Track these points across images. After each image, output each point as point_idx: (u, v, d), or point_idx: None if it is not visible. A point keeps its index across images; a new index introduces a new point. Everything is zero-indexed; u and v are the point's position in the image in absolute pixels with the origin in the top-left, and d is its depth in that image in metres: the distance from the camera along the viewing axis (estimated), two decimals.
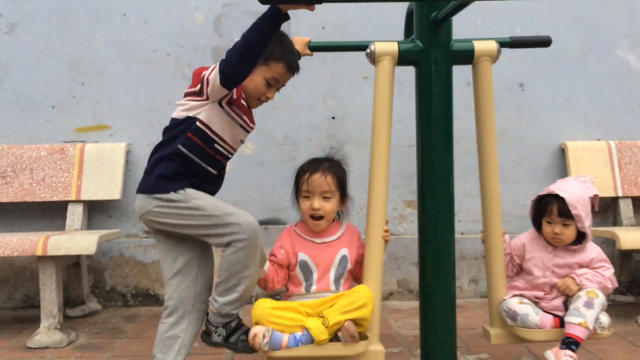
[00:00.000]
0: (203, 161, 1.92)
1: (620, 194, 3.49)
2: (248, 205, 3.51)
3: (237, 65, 1.76)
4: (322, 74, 3.56)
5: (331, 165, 2.09)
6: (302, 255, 2.05)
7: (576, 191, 2.13)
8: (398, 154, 3.57)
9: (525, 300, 2.14)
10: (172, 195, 1.86)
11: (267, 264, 2.01)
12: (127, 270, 3.50)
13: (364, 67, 3.50)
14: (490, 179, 2.11)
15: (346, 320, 1.85)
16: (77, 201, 3.34)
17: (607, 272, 2.16)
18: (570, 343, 2.01)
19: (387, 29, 3.44)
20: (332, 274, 2.04)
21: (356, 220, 2.19)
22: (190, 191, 1.88)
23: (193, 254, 1.96)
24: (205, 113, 1.89)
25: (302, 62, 2.12)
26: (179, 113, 1.94)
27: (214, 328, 1.96)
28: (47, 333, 2.75)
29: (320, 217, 2.04)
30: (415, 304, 3.28)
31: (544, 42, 2.37)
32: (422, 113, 2.03)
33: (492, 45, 2.06)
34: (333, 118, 3.60)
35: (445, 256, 2.03)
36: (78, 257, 3.26)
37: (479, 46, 2.05)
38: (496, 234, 2.13)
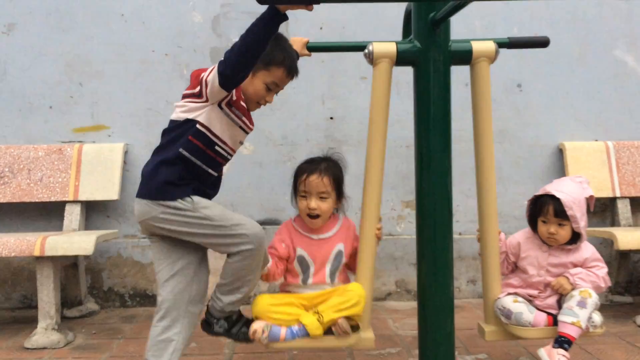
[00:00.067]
0: (204, 163, 1.91)
1: (618, 194, 3.49)
2: (246, 205, 3.51)
3: (235, 67, 1.76)
4: (320, 74, 3.56)
5: (328, 166, 2.14)
6: (300, 250, 2.13)
7: (572, 192, 2.16)
8: (396, 154, 3.58)
9: (520, 299, 2.16)
10: (179, 203, 1.85)
11: (270, 262, 2.06)
12: (125, 270, 3.49)
13: (362, 68, 3.50)
14: (487, 179, 2.11)
15: (340, 317, 1.97)
16: (74, 201, 3.33)
17: (601, 272, 2.19)
18: (563, 342, 2.04)
19: (385, 29, 3.44)
20: (327, 268, 2.13)
21: (355, 220, 2.21)
22: (198, 199, 1.88)
23: (191, 258, 1.96)
24: (205, 115, 1.88)
25: (300, 63, 2.12)
26: (178, 115, 1.92)
27: (215, 320, 2.02)
28: (44, 333, 2.75)
29: (317, 216, 2.11)
30: (414, 304, 3.28)
31: (542, 43, 2.37)
32: (420, 113, 2.03)
33: (490, 46, 2.06)
34: (331, 118, 3.60)
35: (443, 256, 2.03)
36: (76, 257, 3.25)
37: (477, 47, 2.05)
38: (492, 233, 2.14)
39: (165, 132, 1.96)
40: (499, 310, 2.15)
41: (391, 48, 2.01)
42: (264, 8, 1.67)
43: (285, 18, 1.70)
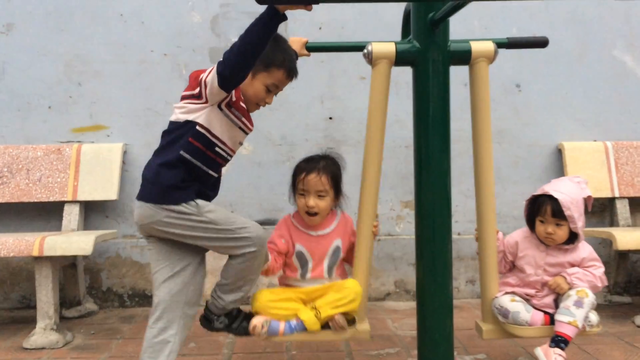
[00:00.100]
0: (204, 165, 1.91)
1: (616, 194, 3.49)
2: (245, 205, 3.51)
3: (235, 67, 1.76)
4: (319, 74, 3.56)
5: (326, 165, 2.17)
6: (298, 246, 2.17)
7: (570, 192, 2.17)
8: (395, 155, 3.58)
9: (517, 298, 2.18)
10: (183, 208, 1.86)
11: (270, 259, 2.10)
12: (124, 270, 3.49)
13: (361, 68, 3.50)
14: (485, 179, 2.12)
15: (337, 314, 2.04)
16: (73, 201, 3.33)
17: (598, 271, 2.21)
18: (559, 341, 2.06)
19: (384, 29, 3.44)
20: (325, 263, 2.18)
21: (353, 218, 2.22)
22: (203, 203, 1.89)
23: (190, 260, 1.96)
24: (205, 116, 1.87)
25: (299, 63, 2.12)
26: (177, 116, 1.91)
27: (215, 317, 2.07)
28: (43, 334, 2.75)
29: (315, 214, 2.14)
30: (413, 304, 3.28)
31: (541, 43, 2.37)
32: (419, 113, 2.04)
33: (489, 46, 2.06)
34: (330, 118, 3.60)
35: (442, 256, 2.03)
36: (74, 257, 3.25)
37: (476, 47, 2.05)
38: (490, 233, 2.15)
39: (164, 134, 1.95)
40: (497, 309, 2.16)
41: (390, 48, 2.01)
42: (263, 8, 1.67)
43: (284, 18, 1.69)
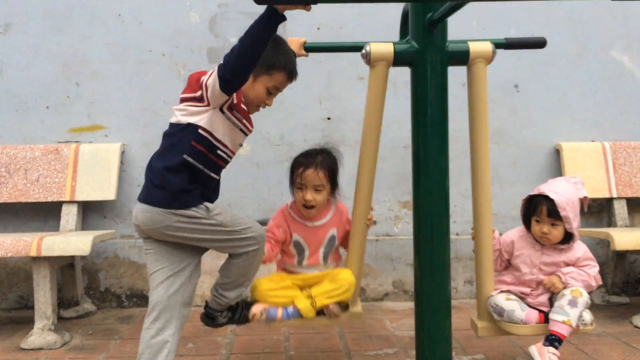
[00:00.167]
0: (206, 168, 1.91)
1: (614, 194, 3.50)
2: (243, 206, 3.51)
3: (236, 70, 1.75)
4: (318, 74, 3.56)
5: (323, 160, 2.23)
6: (295, 236, 2.27)
7: (566, 192, 2.19)
8: (393, 155, 3.58)
9: (512, 297, 2.20)
10: (193, 212, 1.86)
11: (266, 250, 2.16)
12: (122, 271, 3.49)
13: (360, 68, 3.50)
14: (482, 178, 2.13)
15: (331, 303, 2.16)
16: (71, 202, 3.33)
17: (592, 271, 2.24)
18: (553, 340, 2.10)
19: (382, 29, 3.44)
20: (321, 252, 2.28)
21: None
22: (211, 206, 1.91)
23: (190, 261, 1.96)
24: (207, 119, 1.86)
25: (298, 63, 2.12)
26: (178, 118, 1.89)
27: (219, 313, 2.14)
28: (41, 334, 2.74)
29: (312, 207, 2.22)
30: (411, 304, 3.28)
31: (539, 44, 2.37)
32: (417, 114, 2.03)
33: (487, 47, 2.06)
34: (328, 119, 3.61)
35: (440, 257, 2.03)
36: (72, 257, 3.24)
37: (474, 47, 2.05)
38: (486, 232, 2.16)
39: (166, 136, 1.93)
40: (492, 307, 2.19)
41: (388, 48, 2.01)
42: (261, 8, 1.67)
43: (283, 18, 1.69)
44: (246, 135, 2.04)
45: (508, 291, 2.23)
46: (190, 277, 1.96)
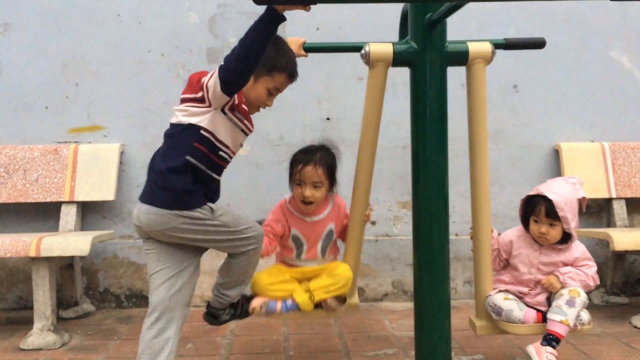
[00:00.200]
0: (209, 169, 1.90)
1: (614, 195, 3.50)
2: (243, 206, 3.51)
3: (237, 72, 1.75)
4: (317, 74, 3.56)
5: (322, 157, 2.26)
6: (294, 231, 2.32)
7: (564, 193, 2.20)
8: (392, 155, 3.58)
9: (510, 296, 2.22)
10: (198, 213, 1.87)
11: (264, 244, 2.21)
12: (121, 271, 3.49)
13: (359, 68, 3.50)
14: (481, 178, 2.13)
15: (329, 297, 2.22)
16: (70, 202, 3.33)
17: (590, 270, 2.25)
18: (551, 340, 2.11)
19: (381, 30, 3.44)
20: (319, 246, 2.34)
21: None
22: (215, 207, 1.92)
23: (191, 261, 1.97)
24: (209, 120, 1.86)
25: (297, 63, 2.11)
26: (179, 119, 1.89)
27: (222, 311, 2.18)
28: (40, 334, 2.74)
29: (311, 203, 2.26)
30: (410, 305, 3.28)
31: (538, 44, 2.38)
32: (416, 114, 2.04)
33: (487, 47, 2.06)
34: (328, 119, 3.60)
35: (439, 257, 2.03)
36: (71, 258, 3.24)
37: (473, 48, 2.05)
38: (485, 232, 2.18)
39: (167, 136, 1.92)
40: (490, 307, 2.20)
41: (388, 49, 2.01)
42: (260, 8, 1.66)
43: (283, 19, 1.69)
44: (247, 135, 2.04)
45: (506, 291, 2.25)
46: (191, 278, 1.96)
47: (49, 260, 2.79)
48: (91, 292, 3.48)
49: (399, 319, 3.18)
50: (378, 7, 3.55)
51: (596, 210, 3.67)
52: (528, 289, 2.27)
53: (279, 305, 2.22)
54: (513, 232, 2.35)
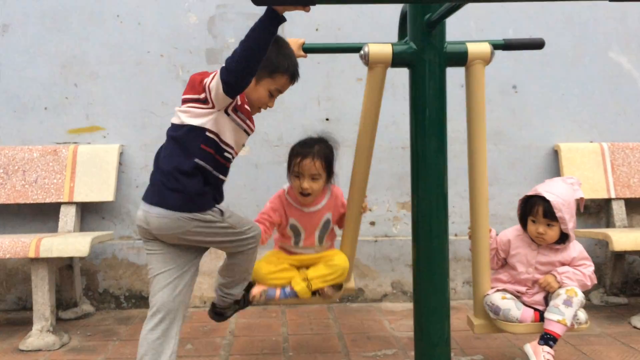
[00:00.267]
0: (215, 170, 1.90)
1: (613, 195, 3.50)
2: (242, 206, 3.51)
3: (239, 74, 1.74)
4: (316, 75, 3.56)
5: (320, 149, 2.32)
6: (292, 220, 2.40)
7: (562, 193, 2.21)
8: (392, 156, 3.58)
9: (508, 296, 2.23)
10: (209, 216, 1.88)
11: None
12: (121, 272, 3.49)
13: (358, 69, 3.50)
14: (479, 178, 2.14)
15: (326, 286, 2.33)
16: (69, 203, 3.33)
17: (587, 270, 2.26)
18: (548, 339, 2.13)
19: (380, 30, 3.44)
20: (316, 234, 2.42)
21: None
22: (224, 209, 1.94)
23: (194, 262, 1.98)
24: (213, 122, 1.85)
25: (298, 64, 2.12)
26: (181, 120, 1.87)
27: (227, 309, 2.26)
28: (39, 335, 2.74)
29: (308, 194, 2.32)
30: (410, 305, 3.28)
31: (537, 45, 2.38)
32: (415, 115, 2.04)
33: (486, 48, 2.07)
34: (327, 119, 3.60)
35: (439, 258, 2.03)
36: (71, 259, 3.24)
37: (472, 48, 2.05)
38: (483, 231, 2.19)
39: (171, 138, 1.89)
40: (488, 306, 2.22)
41: (387, 49, 2.01)
42: (259, 8, 1.66)
43: (283, 20, 1.69)
44: (248, 135, 2.04)
45: (504, 290, 2.26)
46: (192, 279, 1.97)
47: (48, 261, 2.79)
48: (90, 293, 3.48)
49: (398, 319, 3.18)
50: (377, 8, 3.56)
51: (595, 211, 3.67)
52: (526, 288, 2.28)
53: (277, 292, 2.32)
54: (511, 232, 2.36)
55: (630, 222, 3.61)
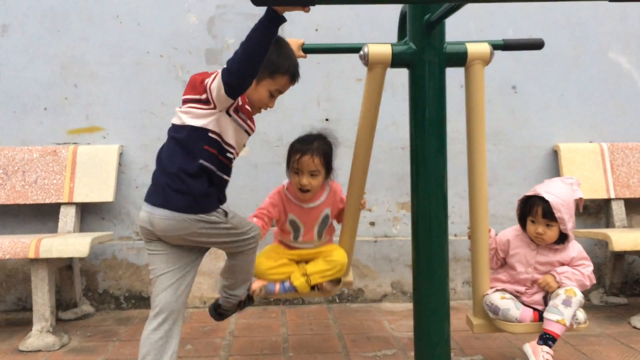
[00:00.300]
0: (219, 170, 1.90)
1: (612, 195, 3.50)
2: (242, 207, 3.50)
3: (240, 75, 1.74)
4: (316, 75, 3.56)
5: (319, 146, 2.34)
6: (291, 216, 2.44)
7: (561, 194, 2.22)
8: (391, 156, 3.58)
9: (507, 295, 2.24)
10: (214, 217, 1.88)
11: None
12: (120, 272, 3.48)
13: (358, 69, 3.50)
14: (479, 178, 2.14)
15: (324, 281, 2.38)
16: (69, 203, 3.33)
17: (586, 270, 2.27)
18: (547, 339, 2.14)
19: (380, 31, 3.45)
20: (315, 229, 2.47)
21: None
22: (227, 210, 1.95)
23: (196, 262, 1.99)
24: (215, 122, 1.85)
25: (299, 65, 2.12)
26: (183, 121, 1.86)
27: (230, 310, 2.27)
28: (39, 336, 2.74)
29: (307, 190, 2.35)
30: (409, 305, 3.28)
31: (537, 45, 2.38)
32: (415, 115, 2.04)
33: (485, 48, 2.07)
34: (327, 120, 3.60)
35: (438, 258, 2.03)
36: (71, 259, 3.24)
37: (471, 49, 2.05)
38: (482, 231, 2.19)
39: (173, 139, 1.88)
40: (487, 306, 2.22)
41: (386, 50, 2.01)
42: (259, 9, 1.66)
43: (283, 20, 1.69)
44: (249, 135, 2.04)
45: (503, 290, 2.27)
46: (192, 279, 1.98)
47: (48, 261, 2.79)
48: (90, 294, 3.48)
49: (398, 319, 3.18)
50: (377, 8, 3.56)
51: (595, 211, 3.68)
52: (525, 288, 2.29)
53: (277, 287, 2.38)
54: (510, 232, 2.37)
55: (630, 222, 3.61)
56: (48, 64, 3.49)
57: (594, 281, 2.29)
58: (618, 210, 3.51)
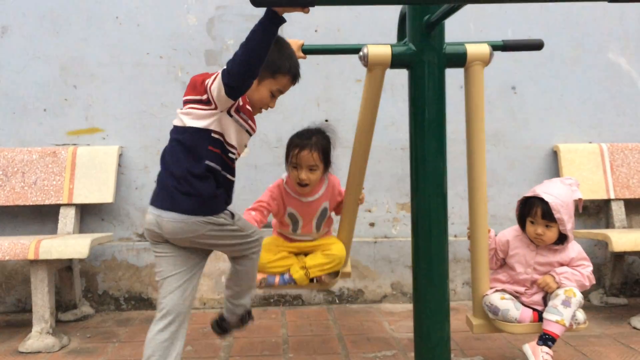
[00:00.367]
0: (224, 170, 1.90)
1: (612, 196, 3.50)
2: (241, 208, 3.48)
3: (240, 76, 1.74)
4: (315, 76, 3.56)
5: (318, 141, 2.37)
6: (290, 209, 2.47)
7: (560, 194, 2.22)
8: (391, 157, 3.58)
9: (507, 296, 2.24)
10: (222, 219, 1.89)
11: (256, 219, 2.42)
12: (120, 274, 3.48)
13: (357, 70, 3.50)
14: (478, 178, 2.14)
15: (323, 274, 2.44)
16: (69, 204, 3.32)
17: (586, 270, 2.27)
18: (547, 340, 2.14)
19: (379, 32, 3.45)
20: (314, 222, 2.50)
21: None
22: (234, 212, 1.95)
23: (202, 263, 1.99)
24: (217, 123, 1.85)
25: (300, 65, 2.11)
26: (184, 122, 1.86)
27: (233, 326, 2.25)
28: (39, 337, 2.74)
29: (306, 185, 2.38)
30: (409, 306, 3.28)
31: (536, 46, 2.38)
32: (415, 116, 2.04)
33: (485, 49, 2.07)
34: (326, 121, 3.60)
35: (438, 259, 2.03)
36: (70, 261, 3.24)
37: (471, 49, 2.05)
38: (482, 232, 2.19)
39: (176, 140, 1.88)
40: (487, 306, 2.23)
41: (386, 51, 2.01)
42: (258, 10, 1.66)
43: (283, 21, 1.69)
44: (250, 135, 2.04)
45: (503, 290, 2.27)
46: (198, 281, 1.98)
47: (47, 262, 2.79)
48: (90, 295, 3.47)
49: (398, 320, 3.18)
50: (376, 9, 3.56)
51: (595, 212, 3.68)
52: (524, 288, 2.29)
53: (277, 279, 2.42)
54: (510, 232, 2.37)
55: (630, 223, 3.61)
56: (48, 65, 3.49)
57: (594, 282, 2.30)
58: (618, 211, 3.51)
